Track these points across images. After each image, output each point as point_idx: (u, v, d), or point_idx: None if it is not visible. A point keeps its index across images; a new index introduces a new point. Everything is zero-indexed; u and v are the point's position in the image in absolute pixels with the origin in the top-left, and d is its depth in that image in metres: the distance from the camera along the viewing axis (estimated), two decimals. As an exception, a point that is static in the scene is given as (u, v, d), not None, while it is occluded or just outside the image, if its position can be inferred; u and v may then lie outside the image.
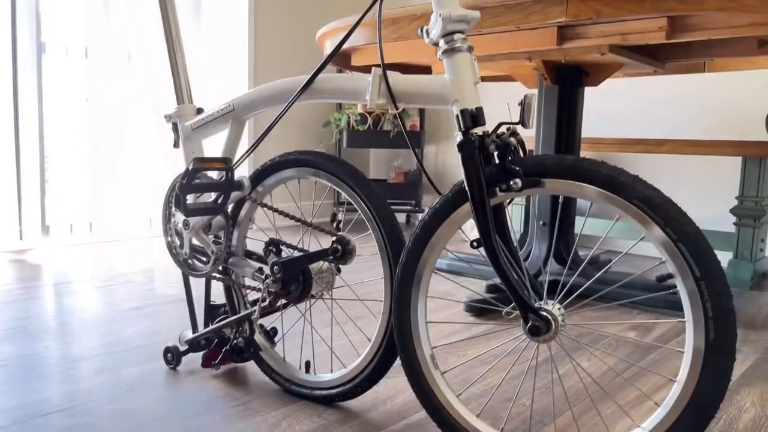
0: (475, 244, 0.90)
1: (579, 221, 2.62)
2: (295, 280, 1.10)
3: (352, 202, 1.08)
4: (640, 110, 2.88)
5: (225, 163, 1.10)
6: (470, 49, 0.92)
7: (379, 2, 1.03)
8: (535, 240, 2.11)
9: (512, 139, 0.89)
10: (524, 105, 0.90)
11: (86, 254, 2.53)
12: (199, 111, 1.35)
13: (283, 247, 1.14)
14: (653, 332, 1.68)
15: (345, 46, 1.95)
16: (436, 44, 0.93)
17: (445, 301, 1.92)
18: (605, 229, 2.81)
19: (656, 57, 1.96)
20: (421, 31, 0.97)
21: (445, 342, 1.53)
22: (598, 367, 1.40)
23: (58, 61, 2.63)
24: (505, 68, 2.17)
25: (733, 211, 2.35)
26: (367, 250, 2.47)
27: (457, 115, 0.91)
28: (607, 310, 1.90)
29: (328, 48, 2.06)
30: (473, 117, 0.90)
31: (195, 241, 1.25)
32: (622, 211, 0.83)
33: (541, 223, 2.09)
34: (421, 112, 3.52)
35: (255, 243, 1.28)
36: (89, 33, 2.72)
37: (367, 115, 3.35)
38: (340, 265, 1.11)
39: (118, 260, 2.43)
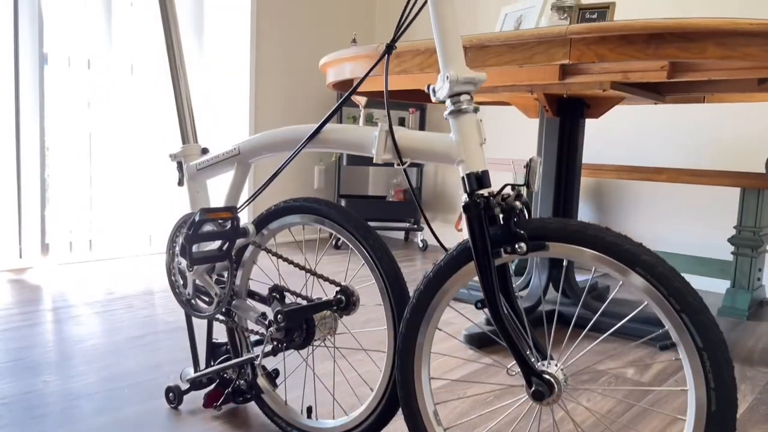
0: (479, 305, 0.91)
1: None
2: (298, 329, 1.10)
3: (356, 252, 1.09)
4: (640, 136, 2.89)
5: (230, 212, 1.11)
6: (476, 109, 0.93)
7: (386, 57, 1.03)
8: (534, 269, 2.12)
9: (517, 203, 0.90)
10: (529, 168, 0.91)
11: (86, 274, 2.53)
12: (204, 151, 1.35)
13: (286, 293, 1.14)
14: (652, 369, 1.69)
15: (348, 75, 1.96)
16: (443, 102, 0.94)
17: (443, 332, 1.93)
18: (603, 254, 2.81)
19: (657, 91, 1.98)
20: (428, 88, 0.98)
21: (445, 378, 1.54)
22: (599, 407, 1.40)
23: (60, 72, 2.63)
24: (505, 97, 2.18)
25: (731, 240, 2.36)
26: (371, 298, 2.47)
27: (463, 178, 0.92)
28: (604, 342, 1.91)
29: (331, 76, 2.07)
30: (479, 180, 0.91)
31: (198, 282, 1.25)
32: (625, 278, 0.84)
33: (540, 253, 2.10)
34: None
35: (262, 263, 1.29)
36: (92, 44, 2.72)
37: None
38: (344, 315, 1.12)
39: (117, 281, 2.43)
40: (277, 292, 1.14)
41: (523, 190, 0.92)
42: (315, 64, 3.63)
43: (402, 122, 3.61)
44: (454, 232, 3.56)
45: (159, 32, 2.83)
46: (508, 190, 0.92)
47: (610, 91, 1.73)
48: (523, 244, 0.88)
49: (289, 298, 1.15)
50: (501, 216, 0.90)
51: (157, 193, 3.02)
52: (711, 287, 2.71)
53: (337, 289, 1.09)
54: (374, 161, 1.02)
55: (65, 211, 2.70)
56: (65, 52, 2.65)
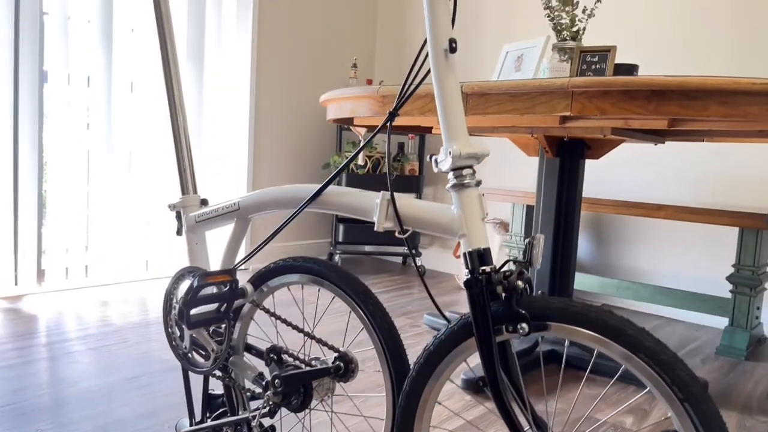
0: (480, 383, 0.90)
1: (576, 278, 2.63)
2: (295, 393, 1.09)
3: (356, 316, 1.08)
4: (639, 168, 2.89)
5: (229, 275, 1.10)
6: (478, 183, 0.93)
7: (389, 124, 1.03)
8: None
9: (519, 283, 0.89)
10: (531, 245, 0.91)
11: (81, 302, 2.51)
12: (204, 202, 1.35)
13: (284, 355, 1.13)
14: (651, 416, 1.68)
15: (348, 114, 1.96)
16: (445, 173, 0.94)
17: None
18: (601, 286, 2.81)
19: (657, 134, 1.98)
20: (430, 158, 0.97)
21: (443, 429, 1.53)
22: (595, 464, 1.39)
23: (59, 90, 2.62)
24: (505, 136, 2.18)
25: (729, 278, 2.36)
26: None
27: (464, 254, 0.91)
28: (602, 384, 1.90)
29: (332, 112, 2.07)
30: (481, 257, 0.90)
31: (195, 335, 1.24)
32: (628, 362, 0.84)
33: (539, 292, 2.09)
34: (420, 157, 3.53)
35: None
36: (91, 62, 2.72)
37: (367, 159, 3.35)
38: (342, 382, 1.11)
39: (113, 311, 2.41)
40: (275, 353, 1.13)
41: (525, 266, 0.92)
42: (316, 87, 3.63)
43: (401, 147, 3.61)
44: (452, 258, 3.55)
45: (159, 55, 2.84)
46: (510, 266, 0.92)
47: (611, 136, 1.73)
48: (524, 325, 0.87)
49: (288, 358, 1.14)
50: (503, 294, 0.90)
51: (155, 216, 3.01)
52: (709, 322, 2.71)
53: (336, 354, 1.08)
54: (375, 229, 1.01)
55: (61, 235, 2.69)
56: (65, 71, 2.64)
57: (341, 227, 3.41)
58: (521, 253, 2.90)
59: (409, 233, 1.01)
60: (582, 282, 2.85)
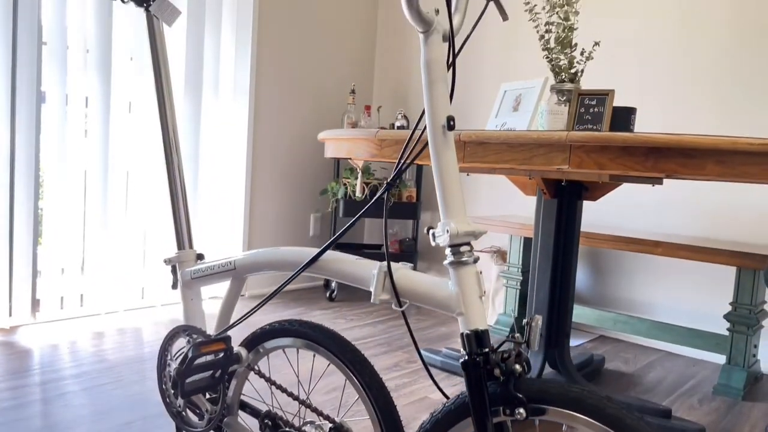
0: (477, 463, 0.89)
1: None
2: (290, 461, 1.08)
3: (351, 385, 1.07)
4: (636, 199, 2.90)
5: (224, 343, 1.09)
6: (476, 260, 0.93)
7: (386, 195, 1.03)
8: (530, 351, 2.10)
9: (517, 366, 0.88)
10: (530, 327, 0.90)
11: (76, 334, 2.50)
12: (200, 257, 1.34)
13: (279, 422, 1.12)
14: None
15: (344, 155, 1.96)
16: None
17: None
18: (598, 319, 2.81)
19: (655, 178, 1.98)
20: (427, 231, 0.97)
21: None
22: None
23: (57, 111, 2.62)
24: (503, 175, 2.18)
25: (727, 317, 2.36)
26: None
27: (462, 335, 0.90)
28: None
29: (329, 151, 2.06)
30: (479, 339, 0.90)
31: (190, 395, 1.23)
32: (626, 451, 0.83)
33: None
34: (418, 183, 3.53)
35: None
36: (89, 85, 2.72)
37: (365, 186, 3.35)
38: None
39: (108, 344, 2.40)
40: (270, 419, 1.12)
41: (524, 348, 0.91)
42: (314, 113, 3.63)
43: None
44: (449, 285, 3.54)
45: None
46: (508, 346, 0.91)
47: (609, 181, 1.73)
48: (522, 410, 0.87)
49: (282, 422, 1.13)
50: (501, 377, 0.89)
51: (150, 245, 3.00)
52: (707, 356, 2.70)
53: (331, 426, 1.07)
54: (372, 300, 1.01)
55: (57, 257, 2.67)
56: (62, 91, 2.64)
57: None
58: (518, 299, 2.90)
59: (406, 306, 1.00)
60: (579, 314, 2.85)
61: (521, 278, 2.89)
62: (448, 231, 0.91)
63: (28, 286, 2.57)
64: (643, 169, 1.38)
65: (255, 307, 1.15)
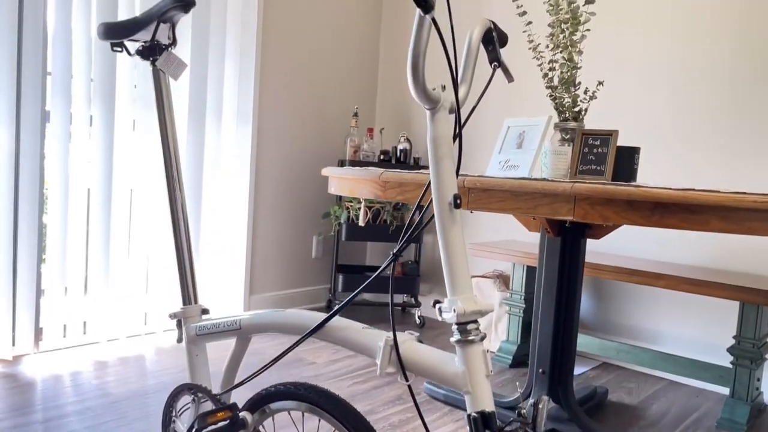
0: None
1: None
2: None
3: (357, 452, 1.07)
4: (642, 233, 2.90)
5: (230, 411, 1.09)
6: (483, 338, 0.93)
7: (392, 264, 1.03)
8: (533, 387, 2.11)
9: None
10: (536, 408, 0.90)
11: (80, 364, 2.50)
12: (205, 311, 1.34)
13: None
14: None
15: (347, 193, 1.96)
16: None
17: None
18: (601, 348, 2.81)
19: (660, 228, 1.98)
20: (434, 305, 0.97)
21: None
22: None
23: (61, 131, 2.62)
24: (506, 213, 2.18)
25: (730, 350, 2.35)
26: None
27: (469, 416, 0.90)
28: (604, 469, 1.89)
29: (332, 187, 2.07)
30: (486, 421, 0.90)
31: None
32: None
33: (540, 371, 2.08)
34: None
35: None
36: (94, 102, 2.72)
37: (368, 210, 3.35)
38: None
39: (111, 376, 2.40)
40: (276, 483, 1.12)
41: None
42: (317, 136, 3.64)
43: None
44: (451, 308, 3.54)
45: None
46: (514, 426, 0.91)
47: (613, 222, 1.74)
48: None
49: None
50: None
51: (153, 268, 3.00)
52: (710, 387, 2.69)
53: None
54: (378, 374, 1.01)
55: (59, 292, 2.67)
56: (67, 110, 2.64)
57: (341, 277, 3.40)
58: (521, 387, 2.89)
59: (412, 380, 1.00)
60: (582, 343, 2.85)
61: (524, 306, 2.89)
62: (455, 310, 0.91)
63: (31, 314, 2.57)
64: (647, 223, 1.38)
65: (259, 370, 1.15)
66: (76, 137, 2.69)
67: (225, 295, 3.31)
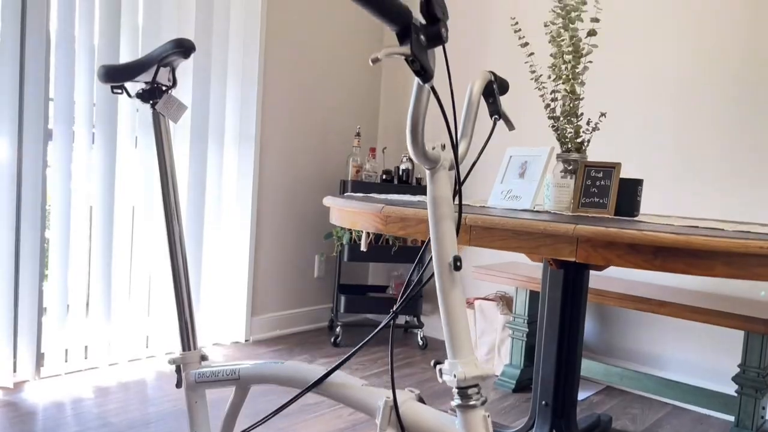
0: None
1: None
2: None
3: None
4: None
5: (229, 469, 1.08)
6: (484, 402, 0.92)
7: (391, 323, 1.02)
8: (536, 419, 2.09)
9: None
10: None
11: (81, 391, 2.49)
12: (204, 358, 1.33)
13: None
14: None
15: (348, 226, 1.95)
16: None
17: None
18: (605, 374, 2.79)
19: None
20: (434, 366, 0.96)
21: None
22: None
23: (63, 148, 2.62)
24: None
25: (735, 379, 2.33)
26: None
27: (469, 484, 0.89)
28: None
29: (334, 218, 2.06)
30: (486, 489, 0.88)
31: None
32: None
33: (543, 403, 2.07)
34: (423, 226, 3.51)
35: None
36: (97, 119, 2.73)
37: (369, 233, 3.34)
38: None
39: (113, 403, 2.39)
40: None
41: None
42: (320, 155, 3.64)
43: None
44: (454, 329, 3.52)
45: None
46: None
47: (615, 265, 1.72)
48: None
49: None
50: None
51: (155, 288, 3.00)
52: (715, 413, 2.67)
53: None
54: (378, 433, 1.00)
55: (62, 311, 2.66)
56: (69, 129, 2.64)
57: (343, 298, 3.39)
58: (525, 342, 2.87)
59: (412, 441, 0.99)
60: (586, 368, 2.83)
61: (527, 330, 2.87)
62: (455, 375, 0.90)
63: (33, 337, 2.55)
64: (650, 267, 1.37)
65: (258, 422, 1.14)
66: (78, 155, 2.68)
67: (227, 317, 3.31)
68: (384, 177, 3.53)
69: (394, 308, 1.01)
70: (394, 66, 3.89)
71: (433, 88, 0.83)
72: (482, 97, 1.09)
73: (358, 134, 3.51)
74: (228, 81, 3.20)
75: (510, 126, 1.19)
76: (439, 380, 0.95)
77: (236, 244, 3.32)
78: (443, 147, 0.95)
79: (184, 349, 1.32)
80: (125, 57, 2.79)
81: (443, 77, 1.26)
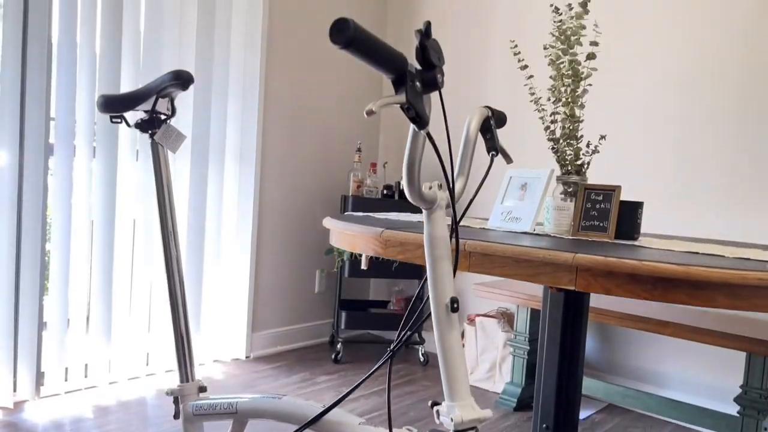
0: None
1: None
2: None
3: None
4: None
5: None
6: (481, 445, 0.91)
7: (389, 360, 1.01)
8: (537, 444, 2.08)
9: None
10: None
11: (81, 410, 2.49)
12: (202, 389, 1.33)
13: None
14: None
15: (347, 248, 1.95)
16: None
17: None
18: (606, 393, 2.77)
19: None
20: (432, 405, 0.96)
21: None
22: None
23: (64, 165, 2.62)
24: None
25: (737, 400, 2.32)
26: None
27: None
28: None
29: (333, 239, 2.05)
30: None
31: None
32: None
33: (543, 426, 2.06)
34: (424, 242, 3.51)
35: None
36: (98, 134, 2.73)
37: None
38: None
39: (112, 424, 2.38)
40: None
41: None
42: (321, 170, 3.64)
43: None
44: (455, 344, 3.51)
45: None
46: None
47: (616, 295, 1.71)
48: None
49: None
50: None
51: (155, 303, 3.00)
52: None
53: None
54: (375, 474, 0.99)
55: (62, 326, 2.66)
56: (71, 143, 2.65)
57: (344, 314, 3.38)
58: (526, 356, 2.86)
59: (409, 482, 0.99)
60: (588, 386, 2.81)
61: (528, 348, 2.86)
62: (452, 418, 0.89)
63: (33, 354, 2.55)
64: (651, 297, 1.36)
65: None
66: (79, 168, 2.68)
67: (227, 333, 3.30)
68: (384, 192, 3.53)
69: (391, 347, 1.00)
70: (394, 81, 3.90)
71: (428, 134, 0.83)
72: (479, 133, 1.09)
73: (359, 149, 3.52)
74: (228, 100, 3.20)
75: (508, 160, 1.19)
76: (437, 421, 0.94)
77: (237, 260, 3.31)
78: (440, 186, 0.95)
79: (182, 381, 1.31)
80: (127, 62, 2.79)
81: (439, 114, 1.25)
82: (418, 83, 0.78)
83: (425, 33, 0.78)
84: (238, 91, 3.24)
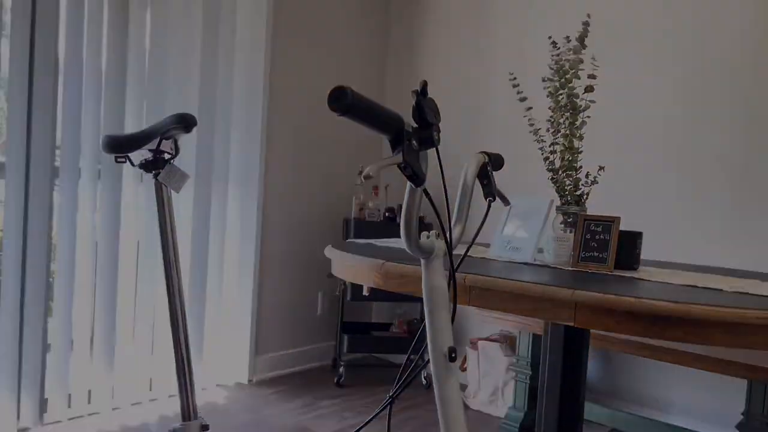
0: None
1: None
2: None
3: None
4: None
5: None
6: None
7: (389, 407, 1.02)
8: (539, 473, 2.08)
9: None
10: None
11: (82, 438, 2.50)
12: (205, 428, 1.34)
13: None
14: None
15: (348, 278, 1.96)
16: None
17: None
18: (610, 418, 2.77)
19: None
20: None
21: None
22: None
23: (70, 185, 2.65)
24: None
25: (738, 426, 2.32)
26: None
27: None
28: None
29: (335, 269, 2.07)
30: None
31: None
32: None
33: (545, 456, 2.06)
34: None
35: None
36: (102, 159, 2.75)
37: (372, 270, 3.35)
38: None
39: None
40: None
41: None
42: (324, 190, 3.66)
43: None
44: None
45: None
46: None
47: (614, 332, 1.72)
48: None
49: None
50: None
51: (158, 326, 3.01)
52: (720, 458, 2.65)
53: None
54: None
55: (65, 348, 2.67)
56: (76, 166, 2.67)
57: (346, 338, 3.38)
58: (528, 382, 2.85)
59: None
60: (590, 412, 2.81)
61: (530, 372, 2.86)
62: (450, 466, 0.90)
63: (37, 385, 2.56)
64: (649, 335, 1.37)
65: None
66: (84, 190, 2.71)
67: (230, 357, 3.31)
68: (386, 214, 3.55)
69: (391, 394, 1.02)
70: (397, 102, 3.93)
71: (425, 191, 0.85)
72: (477, 179, 1.11)
73: (361, 172, 3.54)
74: (232, 124, 3.24)
75: (506, 202, 1.20)
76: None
77: (239, 283, 3.33)
78: (438, 235, 0.96)
79: (184, 419, 1.33)
80: (132, 80, 2.82)
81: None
82: (414, 142, 0.81)
83: (421, 92, 0.80)
84: (241, 115, 3.27)
